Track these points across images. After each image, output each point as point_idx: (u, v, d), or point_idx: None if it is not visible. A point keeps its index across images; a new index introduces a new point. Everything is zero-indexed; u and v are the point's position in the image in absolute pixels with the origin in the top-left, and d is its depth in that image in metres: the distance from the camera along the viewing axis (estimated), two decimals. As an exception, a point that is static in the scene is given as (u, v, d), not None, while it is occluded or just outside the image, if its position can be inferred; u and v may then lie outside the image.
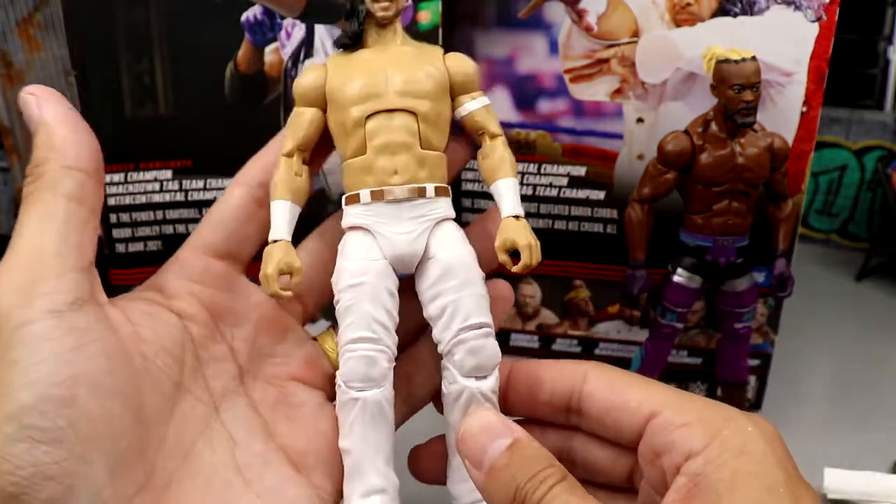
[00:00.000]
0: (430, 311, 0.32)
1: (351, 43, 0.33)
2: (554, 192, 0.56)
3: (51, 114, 0.30)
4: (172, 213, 0.56)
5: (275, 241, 0.32)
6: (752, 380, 0.59)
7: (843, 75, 0.68)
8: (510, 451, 0.28)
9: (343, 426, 0.32)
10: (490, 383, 0.32)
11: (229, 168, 0.55)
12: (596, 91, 0.54)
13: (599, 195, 0.56)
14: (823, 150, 0.85)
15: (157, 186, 0.55)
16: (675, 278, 0.53)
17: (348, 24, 0.33)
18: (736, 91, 0.47)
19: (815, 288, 0.77)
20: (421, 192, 0.31)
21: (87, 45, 0.52)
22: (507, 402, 0.33)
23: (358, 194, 0.32)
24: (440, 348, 0.32)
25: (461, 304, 0.31)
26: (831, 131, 0.84)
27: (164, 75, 0.53)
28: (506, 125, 0.55)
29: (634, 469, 0.32)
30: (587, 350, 0.61)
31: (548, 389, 0.33)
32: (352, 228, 0.32)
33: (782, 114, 0.52)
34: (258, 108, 0.54)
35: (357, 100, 0.31)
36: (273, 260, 0.31)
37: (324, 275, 0.34)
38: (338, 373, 0.32)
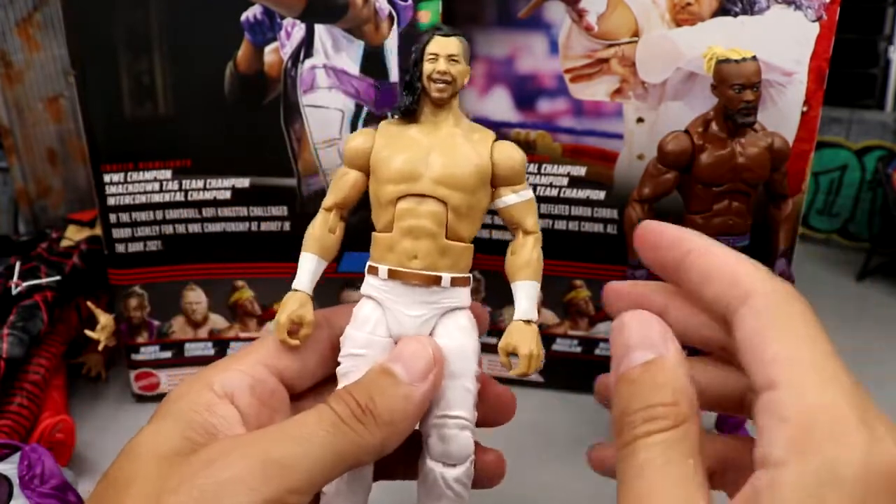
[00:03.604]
0: None
1: (404, 115, 0.33)
2: (554, 192, 0.56)
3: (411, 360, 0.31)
4: (172, 213, 0.56)
5: (295, 291, 0.33)
6: (753, 380, 0.59)
7: (843, 75, 0.68)
8: (644, 368, 0.25)
9: None
10: (456, 473, 0.32)
11: (229, 168, 0.55)
12: (596, 91, 0.54)
13: (599, 195, 0.56)
14: (824, 150, 0.85)
15: (156, 186, 0.55)
16: (676, 278, 0.53)
17: (402, 97, 0.33)
18: (736, 91, 0.47)
19: (816, 288, 0.76)
20: (436, 281, 0.31)
21: (87, 45, 0.52)
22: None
23: (377, 268, 0.32)
24: (420, 428, 0.33)
25: (445, 393, 0.31)
26: (832, 131, 0.84)
27: (164, 75, 0.53)
28: (506, 125, 0.55)
29: None
30: (587, 350, 0.61)
31: (711, 288, 0.27)
32: (368, 297, 0.33)
33: (783, 113, 0.52)
34: (258, 108, 0.54)
35: (394, 178, 0.31)
36: (287, 309, 0.32)
37: (319, 357, 0.34)
38: None
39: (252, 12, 0.52)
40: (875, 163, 0.83)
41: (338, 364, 0.33)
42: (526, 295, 0.32)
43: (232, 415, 0.29)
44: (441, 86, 0.32)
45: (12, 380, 0.53)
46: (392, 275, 0.32)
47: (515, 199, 0.32)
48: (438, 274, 0.31)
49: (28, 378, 0.54)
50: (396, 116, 0.33)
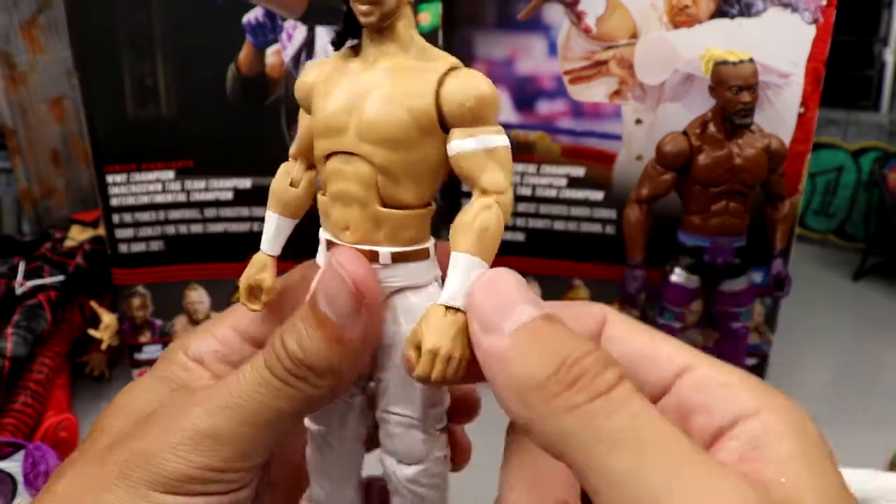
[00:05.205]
0: None
1: (337, 46, 0.27)
2: (553, 193, 0.57)
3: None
4: (174, 214, 0.56)
5: (259, 253, 0.29)
6: (750, 379, 0.60)
7: (839, 77, 0.69)
8: (548, 320, 0.21)
9: None
10: (409, 472, 0.27)
11: (230, 169, 0.56)
12: (595, 92, 0.54)
13: (598, 196, 0.56)
14: (820, 151, 0.85)
15: (159, 187, 0.55)
16: (674, 278, 0.53)
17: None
18: (734, 92, 0.48)
19: (813, 288, 0.77)
20: (373, 257, 0.25)
21: (90, 47, 0.52)
22: None
23: (321, 237, 0.28)
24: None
25: (389, 387, 0.27)
26: (828, 132, 0.85)
27: (166, 77, 0.53)
28: (505, 126, 0.56)
29: None
30: (586, 349, 0.62)
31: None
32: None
33: (780, 115, 0.52)
34: (259, 109, 0.54)
35: (321, 131, 0.25)
36: (246, 273, 0.29)
37: None
38: None
39: (253, 14, 0.52)
40: (871, 164, 0.83)
41: None
42: (456, 272, 0.23)
43: (205, 376, 0.28)
44: (365, 7, 0.25)
45: (17, 379, 0.53)
46: (330, 246, 0.26)
47: (470, 145, 0.24)
48: (374, 249, 0.25)
49: (32, 377, 0.54)
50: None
